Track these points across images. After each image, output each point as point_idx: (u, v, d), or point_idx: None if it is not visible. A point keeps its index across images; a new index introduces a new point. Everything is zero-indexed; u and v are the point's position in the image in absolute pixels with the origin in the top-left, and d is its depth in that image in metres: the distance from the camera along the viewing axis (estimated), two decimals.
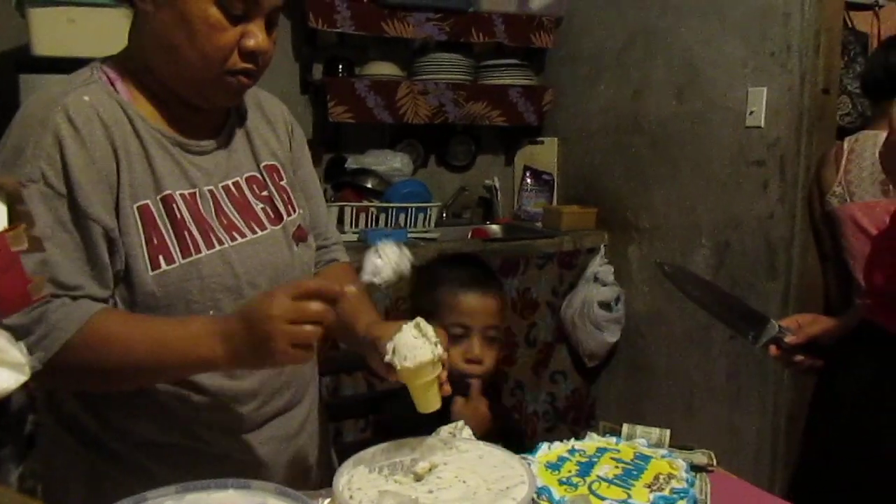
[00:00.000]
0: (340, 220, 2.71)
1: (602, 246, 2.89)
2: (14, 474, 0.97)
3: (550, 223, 2.99)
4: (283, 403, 1.16)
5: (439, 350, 0.98)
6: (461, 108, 2.94)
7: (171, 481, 0.85)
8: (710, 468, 1.18)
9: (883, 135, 2.11)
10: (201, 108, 1.07)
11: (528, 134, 3.27)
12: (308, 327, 0.90)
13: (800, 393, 2.30)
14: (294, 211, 1.18)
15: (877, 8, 2.88)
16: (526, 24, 3.01)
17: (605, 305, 2.78)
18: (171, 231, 1.02)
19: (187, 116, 1.07)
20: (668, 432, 1.18)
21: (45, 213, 0.95)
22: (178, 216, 1.03)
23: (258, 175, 1.14)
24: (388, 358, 0.97)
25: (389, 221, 2.77)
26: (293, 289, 0.91)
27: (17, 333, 0.85)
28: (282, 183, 1.18)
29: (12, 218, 0.62)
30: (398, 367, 0.96)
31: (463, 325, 1.38)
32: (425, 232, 2.82)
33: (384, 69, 2.90)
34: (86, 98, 1.00)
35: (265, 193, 1.14)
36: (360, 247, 2.57)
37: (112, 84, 1.04)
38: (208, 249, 1.04)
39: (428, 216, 2.85)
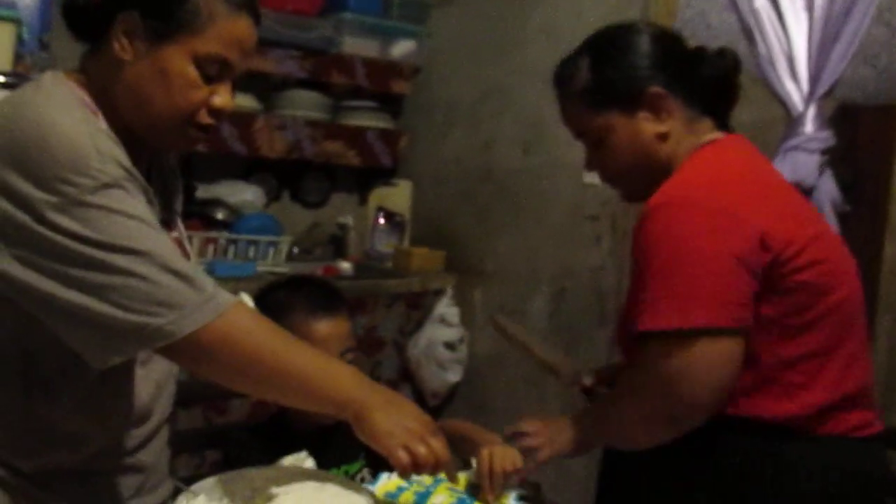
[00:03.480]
0: None
1: (449, 288, 2.99)
2: None
3: (400, 264, 3.05)
4: (162, 419, 1.22)
5: None
6: (317, 145, 2.97)
7: None
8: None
9: None
10: (145, 149, 1.13)
11: (382, 175, 3.34)
12: (425, 452, 0.97)
13: None
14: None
15: None
16: (386, 69, 3.10)
17: (450, 346, 2.87)
18: None
19: (131, 156, 1.10)
20: None
21: (142, 207, 0.99)
22: None
23: (172, 218, 1.25)
24: None
25: (238, 254, 2.73)
26: (431, 424, 1.02)
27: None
28: (182, 227, 1.28)
29: None
30: None
31: None
32: (275, 266, 2.80)
33: (241, 101, 2.87)
34: (102, 126, 1.04)
35: (175, 235, 1.23)
36: None
37: (94, 115, 1.06)
38: None
39: (278, 250, 2.84)
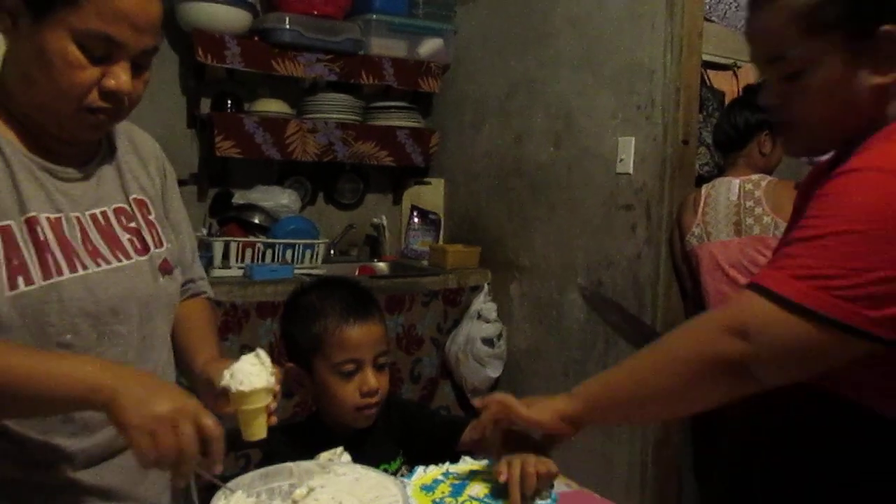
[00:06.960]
0: (226, 255, 2.68)
1: (485, 284, 2.99)
2: None
3: (436, 261, 3.07)
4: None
5: (273, 380, 1.04)
6: (350, 147, 3.00)
7: None
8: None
9: (736, 181, 2.35)
10: (65, 139, 1.07)
11: (415, 174, 3.36)
12: (168, 442, 0.88)
13: (665, 424, 2.45)
14: (162, 245, 1.18)
15: (735, 68, 3.18)
16: (414, 68, 3.12)
17: (488, 341, 2.87)
18: (32, 253, 1.00)
19: (53, 146, 1.06)
20: None
21: None
22: (42, 238, 1.01)
23: (126, 207, 1.15)
24: (224, 382, 1.02)
25: (276, 257, 2.77)
26: (189, 409, 0.90)
27: None
28: (150, 217, 1.17)
29: None
30: (233, 391, 1.01)
31: (354, 360, 1.33)
32: (312, 268, 2.83)
33: (273, 106, 2.92)
34: None
35: (133, 225, 1.14)
36: (246, 282, 2.56)
37: None
38: (71, 273, 1.03)
39: (315, 253, 2.87)
